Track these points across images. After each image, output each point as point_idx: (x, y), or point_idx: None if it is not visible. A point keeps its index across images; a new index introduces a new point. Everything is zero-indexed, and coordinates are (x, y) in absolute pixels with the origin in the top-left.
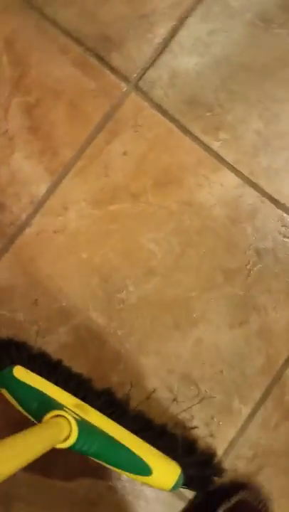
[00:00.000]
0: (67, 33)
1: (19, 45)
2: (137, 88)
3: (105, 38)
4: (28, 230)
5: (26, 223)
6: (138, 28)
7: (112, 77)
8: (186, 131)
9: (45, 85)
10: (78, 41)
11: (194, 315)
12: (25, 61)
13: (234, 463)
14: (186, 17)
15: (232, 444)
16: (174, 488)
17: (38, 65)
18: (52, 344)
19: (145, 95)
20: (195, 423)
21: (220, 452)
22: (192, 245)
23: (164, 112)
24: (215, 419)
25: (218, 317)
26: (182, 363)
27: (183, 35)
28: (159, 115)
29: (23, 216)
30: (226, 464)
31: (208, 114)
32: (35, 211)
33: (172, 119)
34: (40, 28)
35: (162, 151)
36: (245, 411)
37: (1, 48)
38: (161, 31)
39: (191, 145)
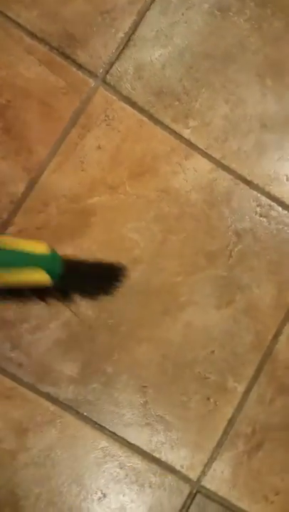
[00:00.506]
0: (32, 34)
1: None
2: (105, 83)
3: (69, 36)
4: (11, 229)
5: (8, 222)
6: (100, 24)
7: (80, 73)
8: (156, 121)
9: (15, 86)
10: (43, 41)
11: (181, 299)
12: None
13: (234, 441)
14: (146, 11)
15: (230, 422)
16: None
17: (5, 67)
18: (44, 340)
19: (113, 89)
20: (191, 405)
21: (219, 432)
22: (173, 232)
23: (134, 104)
24: (211, 400)
25: (205, 299)
26: (174, 347)
27: (144, 28)
28: (128, 108)
29: (5, 215)
30: (227, 443)
31: (176, 103)
32: (17, 209)
33: (142, 111)
34: (4, 30)
35: (135, 142)
36: (240, 389)
37: None
38: (123, 26)
39: (163, 134)
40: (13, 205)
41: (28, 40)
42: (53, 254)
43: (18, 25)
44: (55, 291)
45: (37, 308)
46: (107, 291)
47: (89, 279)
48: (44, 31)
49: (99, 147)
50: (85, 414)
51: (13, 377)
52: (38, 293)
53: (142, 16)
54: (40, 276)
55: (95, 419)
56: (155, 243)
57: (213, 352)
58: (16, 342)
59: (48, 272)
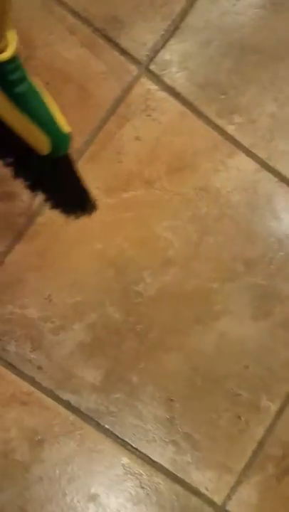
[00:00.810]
0: (75, 13)
1: (24, 25)
2: (148, 71)
3: (114, 19)
4: (39, 220)
5: (38, 213)
6: (148, 9)
7: (122, 58)
8: (200, 114)
9: (53, 67)
10: (87, 21)
11: (216, 307)
12: (31, 42)
13: (263, 464)
14: None
15: (261, 444)
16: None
17: (45, 46)
18: (67, 342)
19: (157, 78)
20: (220, 423)
21: (248, 454)
22: (210, 233)
23: (177, 95)
24: (242, 419)
25: (241, 309)
26: (206, 359)
27: (193, 17)
28: (171, 98)
29: (34, 205)
30: (256, 466)
31: (222, 97)
32: (48, 199)
33: (185, 102)
34: (46, 7)
35: (176, 135)
36: (274, 408)
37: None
38: (172, 13)
39: (206, 129)
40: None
41: (71, 19)
42: (67, 135)
43: (62, 2)
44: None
45: (61, 308)
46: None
47: (69, 188)
48: (88, 11)
49: (137, 138)
50: (106, 426)
51: (32, 381)
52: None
53: (191, 4)
54: (42, 140)
55: (116, 433)
56: (191, 245)
57: (247, 367)
58: (37, 342)
59: (52, 145)
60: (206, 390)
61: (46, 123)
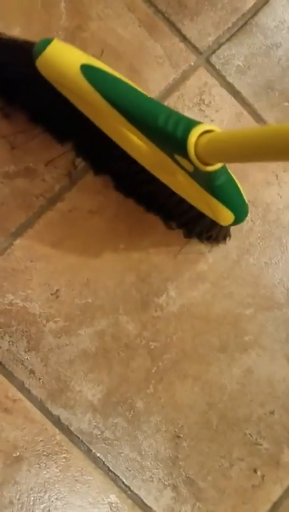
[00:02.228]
0: None
1: None
2: (209, 63)
3: (180, 3)
4: (59, 205)
5: (59, 197)
6: None
7: (182, 45)
8: (258, 118)
9: (105, 42)
10: (149, 1)
11: (246, 338)
12: (85, 12)
13: None
14: None
15: (276, 506)
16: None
17: (99, 19)
18: (68, 348)
19: (217, 72)
20: (232, 473)
21: None
22: (252, 252)
23: (236, 94)
24: (258, 473)
25: (275, 345)
26: (226, 396)
27: (266, 15)
28: (229, 96)
29: (56, 188)
30: None
31: (285, 104)
32: (72, 184)
33: (244, 103)
34: None
35: None
36: None
37: None
38: (243, 7)
39: None
40: (70, 178)
41: None
42: (247, 207)
43: None
44: None
45: (68, 307)
46: None
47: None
48: None
49: None
50: (97, 454)
51: (20, 386)
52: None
53: (266, 1)
54: (226, 215)
55: (108, 464)
56: (227, 261)
57: (272, 413)
58: (34, 342)
59: (234, 219)
60: (220, 432)
61: (236, 204)
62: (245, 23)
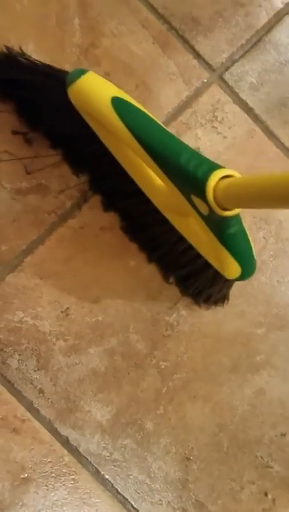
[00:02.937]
0: (152, 8)
1: (95, 11)
2: (222, 80)
3: (194, 20)
4: (71, 222)
5: (70, 213)
6: (231, 16)
7: (195, 62)
8: (271, 135)
9: (118, 59)
10: (163, 18)
11: (258, 358)
12: (99, 29)
13: None
14: (286, 14)
15: None
16: None
17: (112, 36)
18: (78, 367)
19: (230, 89)
20: (242, 496)
21: None
22: (264, 271)
23: (249, 111)
24: (269, 496)
25: (288, 365)
26: (237, 417)
27: (280, 32)
28: (242, 113)
29: (68, 204)
30: None
31: None
32: (84, 201)
33: (257, 120)
34: None
35: (240, 154)
36: None
37: (74, 9)
38: (256, 24)
39: (276, 153)
40: (81, 195)
41: (146, 12)
42: (255, 263)
43: None
44: None
45: (78, 325)
46: None
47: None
48: (167, 8)
49: (197, 149)
50: (106, 476)
51: (29, 406)
52: None
53: (279, 18)
54: (233, 268)
55: (117, 487)
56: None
57: (284, 435)
58: (43, 361)
59: (241, 273)
60: (231, 454)
61: (245, 257)
62: (259, 40)
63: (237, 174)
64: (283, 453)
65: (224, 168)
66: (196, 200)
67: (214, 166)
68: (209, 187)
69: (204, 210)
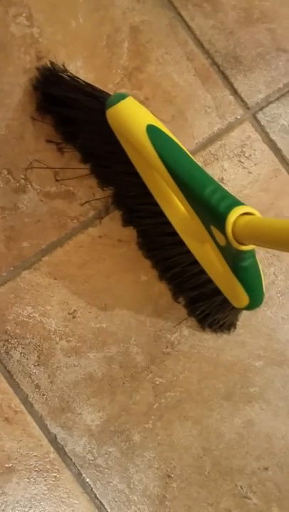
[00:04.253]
0: (198, 42)
1: (144, 37)
2: (255, 118)
3: (236, 59)
4: (91, 230)
5: (92, 222)
6: (272, 59)
7: (232, 99)
8: None
9: (159, 85)
10: (207, 53)
11: (252, 389)
12: (145, 55)
13: None
14: None
15: None
16: None
17: (157, 63)
18: (76, 369)
19: (261, 128)
20: None
21: None
22: (271, 305)
23: (277, 151)
24: None
25: (279, 401)
26: (223, 444)
27: None
28: (270, 152)
29: (91, 213)
30: None
31: None
32: (106, 213)
33: (283, 161)
34: (172, 27)
35: (262, 191)
36: None
37: (125, 33)
38: None
39: None
40: (105, 206)
41: (192, 46)
42: (263, 294)
43: (189, 28)
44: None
45: (82, 329)
46: None
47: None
48: (212, 44)
49: (221, 180)
50: (87, 479)
51: (24, 399)
52: None
53: None
54: (242, 298)
55: (96, 491)
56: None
57: (266, 469)
58: (44, 357)
59: (249, 303)
60: (212, 479)
61: (254, 289)
62: None
63: (257, 213)
64: (263, 487)
65: (245, 205)
66: (215, 231)
67: (236, 202)
68: (229, 221)
69: (221, 241)
